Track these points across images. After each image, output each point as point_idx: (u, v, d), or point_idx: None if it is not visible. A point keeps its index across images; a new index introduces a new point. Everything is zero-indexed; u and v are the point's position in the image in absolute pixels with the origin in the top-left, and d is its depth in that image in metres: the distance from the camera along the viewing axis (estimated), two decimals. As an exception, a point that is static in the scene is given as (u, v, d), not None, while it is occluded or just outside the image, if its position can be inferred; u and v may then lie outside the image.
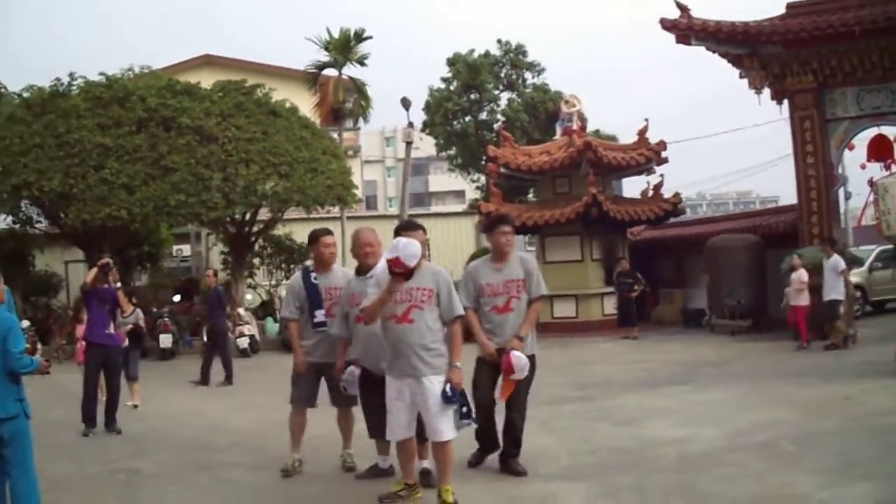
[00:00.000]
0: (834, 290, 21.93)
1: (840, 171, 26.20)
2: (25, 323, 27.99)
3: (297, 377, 10.61)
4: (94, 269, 14.97)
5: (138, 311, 18.12)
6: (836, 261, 22.10)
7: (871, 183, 17.41)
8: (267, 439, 12.98)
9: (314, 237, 10.71)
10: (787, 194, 26.08)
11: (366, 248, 9.83)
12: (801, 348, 21.78)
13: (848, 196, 41.89)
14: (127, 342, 16.86)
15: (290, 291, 10.88)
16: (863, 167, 27.94)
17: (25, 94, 29.30)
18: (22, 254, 32.10)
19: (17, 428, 7.93)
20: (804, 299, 22.59)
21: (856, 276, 27.53)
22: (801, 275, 22.70)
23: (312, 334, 10.49)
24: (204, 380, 20.92)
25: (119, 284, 15.03)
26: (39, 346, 27.68)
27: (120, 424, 14.43)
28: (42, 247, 32.92)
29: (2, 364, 7.80)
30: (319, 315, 10.37)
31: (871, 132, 25.57)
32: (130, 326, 17.61)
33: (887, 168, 23.99)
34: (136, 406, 16.97)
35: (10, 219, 31.03)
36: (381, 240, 10.01)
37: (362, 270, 9.75)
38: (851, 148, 26.13)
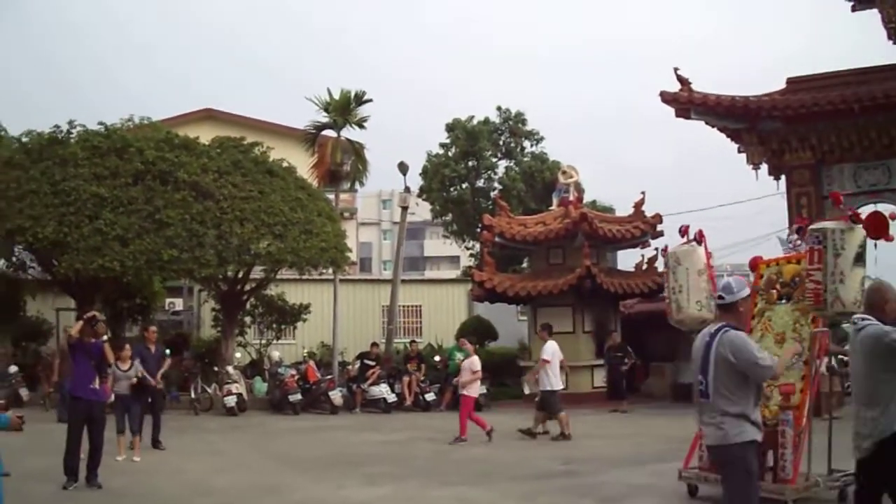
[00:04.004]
0: (549, 381, 21.14)
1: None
2: (13, 368, 28.06)
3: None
4: (80, 322, 14.89)
5: (137, 364, 17.95)
6: (545, 349, 21.50)
7: (664, 252, 14.26)
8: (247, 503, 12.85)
9: None
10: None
11: None
12: (459, 441, 20.18)
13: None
14: (111, 395, 16.78)
15: None
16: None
17: (24, 139, 29.23)
18: (14, 298, 32.05)
19: None
20: (474, 390, 21.43)
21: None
22: (473, 363, 21.52)
23: None
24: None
25: (106, 338, 14.90)
26: (26, 391, 27.65)
27: (102, 478, 14.29)
28: (34, 293, 32.82)
29: None
30: None
31: (868, 209, 25.53)
32: (135, 380, 17.57)
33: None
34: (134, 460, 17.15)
35: (3, 263, 31.07)
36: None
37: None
38: (848, 225, 26.07)
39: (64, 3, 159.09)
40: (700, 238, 13.75)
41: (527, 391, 23.31)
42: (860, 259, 11.08)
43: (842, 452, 11.99)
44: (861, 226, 11.20)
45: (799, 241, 12.90)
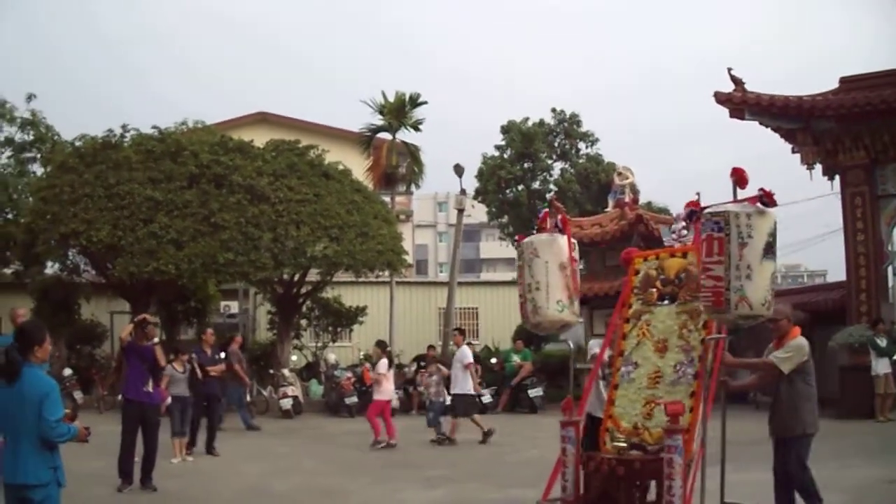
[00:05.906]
0: (460, 384, 20.90)
1: (889, 247, 25.74)
2: (68, 371, 28.05)
3: None
4: (131, 325, 14.89)
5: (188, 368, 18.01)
6: (464, 352, 21.27)
7: (519, 241, 10.96)
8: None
9: None
10: (835, 268, 25.57)
11: None
12: (378, 444, 20.00)
13: (896, 272, 41.37)
14: (168, 398, 16.84)
15: None
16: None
17: (77, 143, 29.41)
18: (68, 302, 31.98)
19: (46, 495, 7.60)
20: (385, 393, 20.93)
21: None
22: (378, 366, 21.12)
23: None
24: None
25: (156, 340, 14.87)
26: (80, 395, 27.63)
27: (157, 481, 14.31)
28: (88, 296, 32.76)
29: (37, 430, 7.47)
30: None
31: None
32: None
33: None
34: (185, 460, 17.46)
35: (57, 266, 31.31)
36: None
37: None
38: (901, 224, 25.83)
39: (103, 13, 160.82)
40: (564, 226, 11.05)
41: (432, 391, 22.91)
42: (770, 250, 8.97)
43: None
44: (773, 210, 9.07)
45: (685, 231, 10.83)
